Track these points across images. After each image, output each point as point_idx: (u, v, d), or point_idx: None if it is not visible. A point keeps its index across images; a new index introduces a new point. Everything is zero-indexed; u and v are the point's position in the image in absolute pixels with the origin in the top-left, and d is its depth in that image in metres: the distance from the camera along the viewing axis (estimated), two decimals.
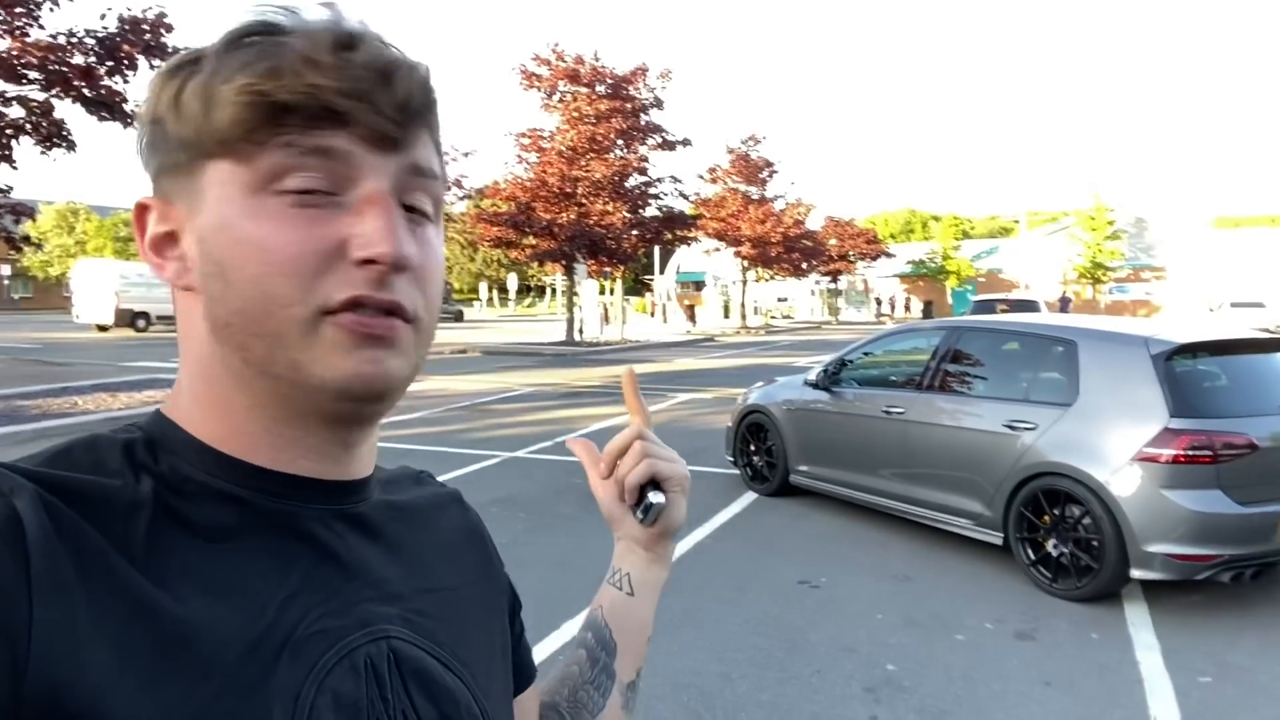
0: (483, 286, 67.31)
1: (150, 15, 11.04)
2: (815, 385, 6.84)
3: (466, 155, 29.04)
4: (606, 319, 32.38)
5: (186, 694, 0.47)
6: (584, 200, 25.11)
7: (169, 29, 11.16)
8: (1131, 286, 48.78)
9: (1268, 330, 10.10)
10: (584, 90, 25.04)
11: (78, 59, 10.86)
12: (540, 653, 3.93)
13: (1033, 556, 5.06)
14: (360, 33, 0.56)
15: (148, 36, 11.04)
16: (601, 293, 34.87)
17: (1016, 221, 56.77)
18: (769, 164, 38.17)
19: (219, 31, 0.57)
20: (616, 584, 0.86)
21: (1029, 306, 23.62)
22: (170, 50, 11.14)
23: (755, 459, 7.30)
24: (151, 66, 11.20)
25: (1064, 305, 35.93)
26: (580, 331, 27.43)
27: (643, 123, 26.06)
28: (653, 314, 44.71)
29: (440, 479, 0.79)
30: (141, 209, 0.59)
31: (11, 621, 0.44)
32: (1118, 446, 4.71)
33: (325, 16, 0.56)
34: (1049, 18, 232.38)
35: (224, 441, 0.57)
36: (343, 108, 0.54)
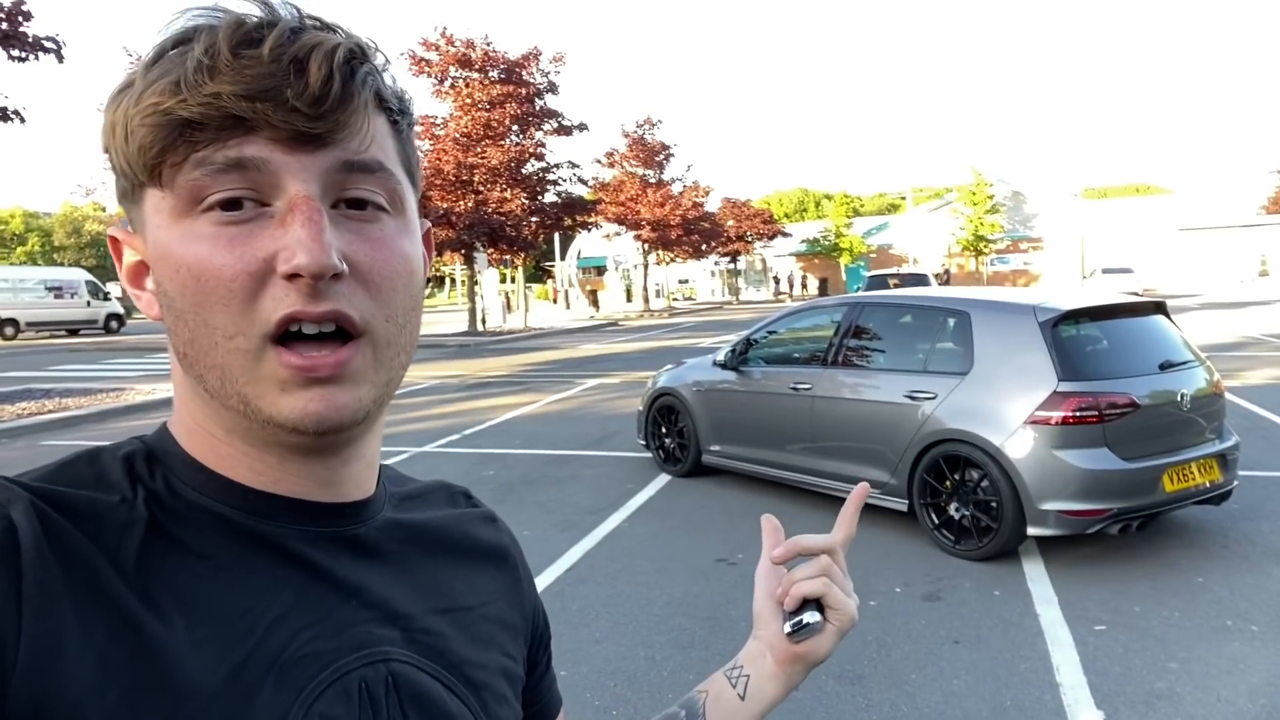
0: None
1: (5, 2, 10.26)
2: (724, 365, 6.92)
3: None
4: (509, 307, 32.08)
5: (167, 716, 0.47)
6: (481, 188, 24.75)
7: (28, 16, 10.41)
8: (1011, 257, 51.21)
9: (1137, 294, 10.71)
10: (476, 76, 24.64)
11: None
12: None
13: (936, 521, 5.26)
14: (266, 22, 0.52)
15: (4, 25, 10.26)
16: (503, 281, 34.51)
17: (903, 198, 58.78)
18: (665, 147, 38.39)
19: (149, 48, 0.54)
20: (731, 681, 0.83)
21: (920, 280, 24.54)
22: (30, 40, 10.40)
23: (667, 441, 7.35)
24: (11, 57, 10.43)
25: (946, 279, 37.39)
26: (483, 321, 27.09)
27: (538, 108, 25.82)
28: (555, 301, 44.51)
29: None
30: (114, 241, 0.58)
31: (1, 633, 0.44)
32: (1011, 411, 4.92)
33: (248, 11, 0.52)
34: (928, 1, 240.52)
35: (212, 462, 0.57)
36: (246, 112, 0.50)
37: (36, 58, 10.64)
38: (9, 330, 29.27)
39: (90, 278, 33.59)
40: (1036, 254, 50.93)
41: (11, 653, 0.44)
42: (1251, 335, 17.37)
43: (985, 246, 49.33)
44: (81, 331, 31.80)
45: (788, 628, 0.78)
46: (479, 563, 0.71)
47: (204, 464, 0.56)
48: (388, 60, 0.58)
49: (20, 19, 10.37)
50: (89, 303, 32.47)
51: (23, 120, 10.94)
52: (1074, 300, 5.32)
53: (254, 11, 0.53)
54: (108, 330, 32.63)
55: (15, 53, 10.40)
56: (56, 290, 31.43)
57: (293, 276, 0.50)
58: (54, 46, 10.78)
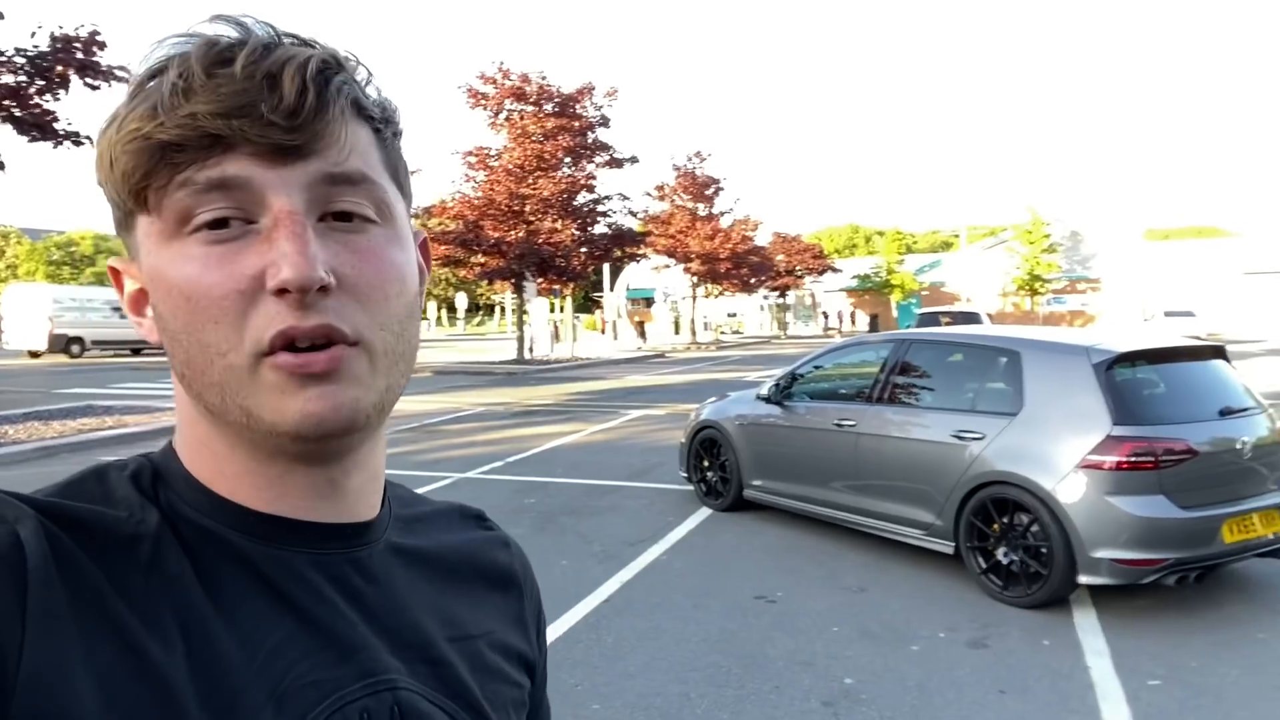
0: (431, 305, 66.73)
1: (83, 33, 10.74)
2: (768, 400, 6.87)
3: (413, 174, 28.71)
4: (557, 337, 32.28)
5: None
6: (532, 218, 25.05)
7: (102, 46, 10.86)
8: (1068, 297, 50.21)
9: (1199, 338, 10.40)
10: (530, 108, 25.03)
11: (6, 78, 10.52)
12: None
13: (983, 565, 5.12)
14: (238, 40, 0.52)
15: (80, 55, 10.73)
16: (551, 310, 34.78)
17: (957, 236, 58.12)
18: (715, 181, 38.54)
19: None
20: None
21: (972, 318, 24.15)
22: (104, 69, 10.84)
23: (709, 474, 7.29)
24: (85, 84, 10.88)
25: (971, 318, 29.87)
26: (530, 350, 27.29)
27: (590, 140, 26.12)
28: (603, 331, 44.70)
29: None
30: (114, 271, 0.60)
31: (3, 649, 0.44)
32: (1063, 454, 4.79)
33: (221, 33, 0.53)
34: (983, 38, 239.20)
35: (215, 482, 0.57)
36: (223, 130, 0.50)
37: (109, 85, 11.06)
38: (75, 348, 30.19)
39: None
40: (1094, 295, 49.87)
41: (13, 671, 0.44)
42: None
43: (1041, 286, 48.46)
44: (144, 351, 32.73)
45: None
46: (486, 589, 0.70)
47: (206, 485, 0.57)
48: (370, 73, 0.58)
49: (95, 49, 10.83)
50: None
51: (93, 144, 11.38)
52: (1129, 342, 5.18)
53: (228, 33, 0.53)
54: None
55: (90, 80, 10.83)
56: (120, 310, 32.38)
57: (281, 291, 0.51)
58: (125, 75, 11.22)
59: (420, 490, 0.73)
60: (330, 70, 0.54)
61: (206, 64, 0.51)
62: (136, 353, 32.10)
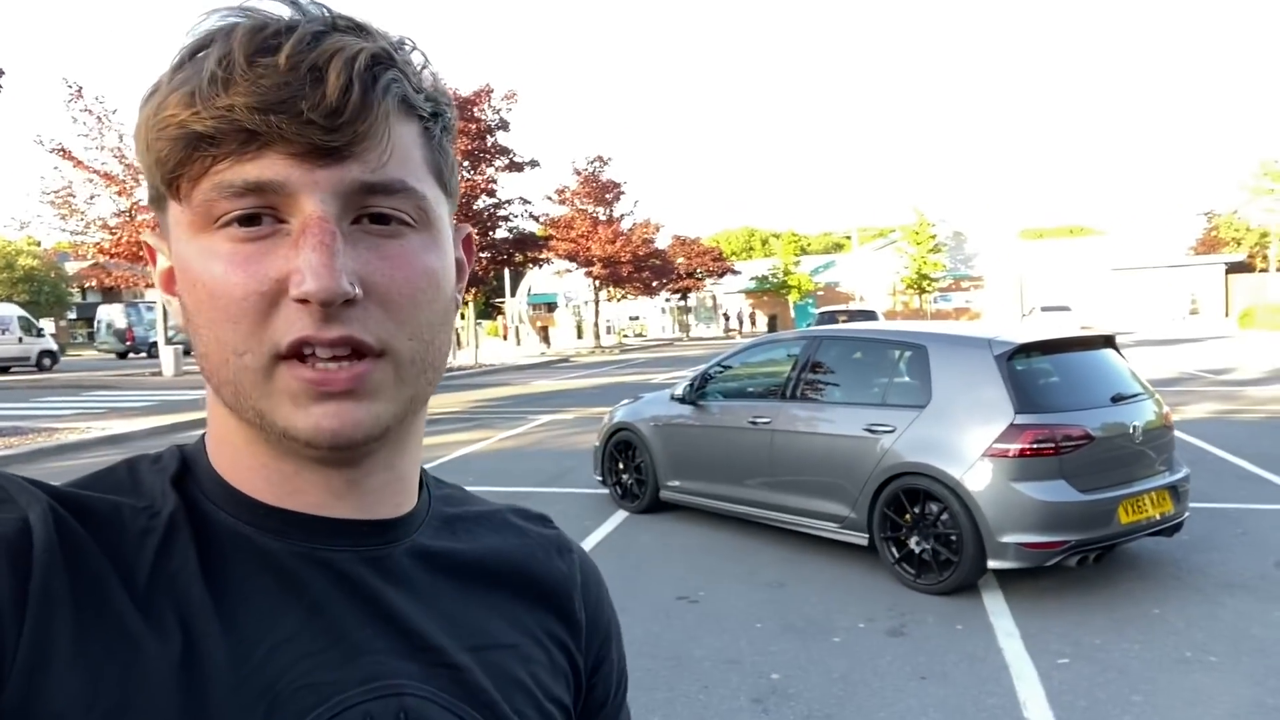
0: None
1: None
2: (682, 400, 6.87)
3: None
4: (459, 344, 31.74)
5: None
6: None
7: None
8: (954, 295, 52.42)
9: (1088, 329, 10.98)
10: None
11: None
12: None
13: (897, 555, 5.24)
14: (286, 27, 0.49)
15: None
16: None
17: (849, 237, 59.94)
18: (616, 185, 38.62)
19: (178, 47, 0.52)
20: None
21: (869, 316, 24.88)
22: None
23: (624, 477, 7.25)
24: None
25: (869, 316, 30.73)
26: None
27: (489, 144, 25.81)
28: (505, 337, 44.23)
29: None
30: (147, 247, 0.58)
31: (2, 633, 0.44)
32: (969, 444, 4.95)
33: (273, 11, 0.50)
34: (866, 44, 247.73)
35: (232, 475, 0.56)
36: (259, 126, 0.47)
37: None
38: None
39: (23, 313, 32.41)
40: (978, 292, 52.22)
41: (11, 653, 0.44)
42: (1187, 371, 17.93)
43: (929, 285, 50.45)
44: (13, 369, 30.64)
45: None
46: (530, 598, 0.65)
47: (223, 477, 0.56)
48: (426, 60, 0.56)
49: None
50: (21, 339, 31.31)
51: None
52: (1026, 334, 5.40)
53: (281, 11, 0.50)
54: (40, 368, 31.43)
55: None
56: None
57: (303, 300, 0.49)
58: None
59: None
60: (380, 65, 0.51)
61: (250, 51, 0.48)
62: (4, 371, 30.04)
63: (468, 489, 0.71)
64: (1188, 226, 56.01)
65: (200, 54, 0.49)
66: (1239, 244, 44.47)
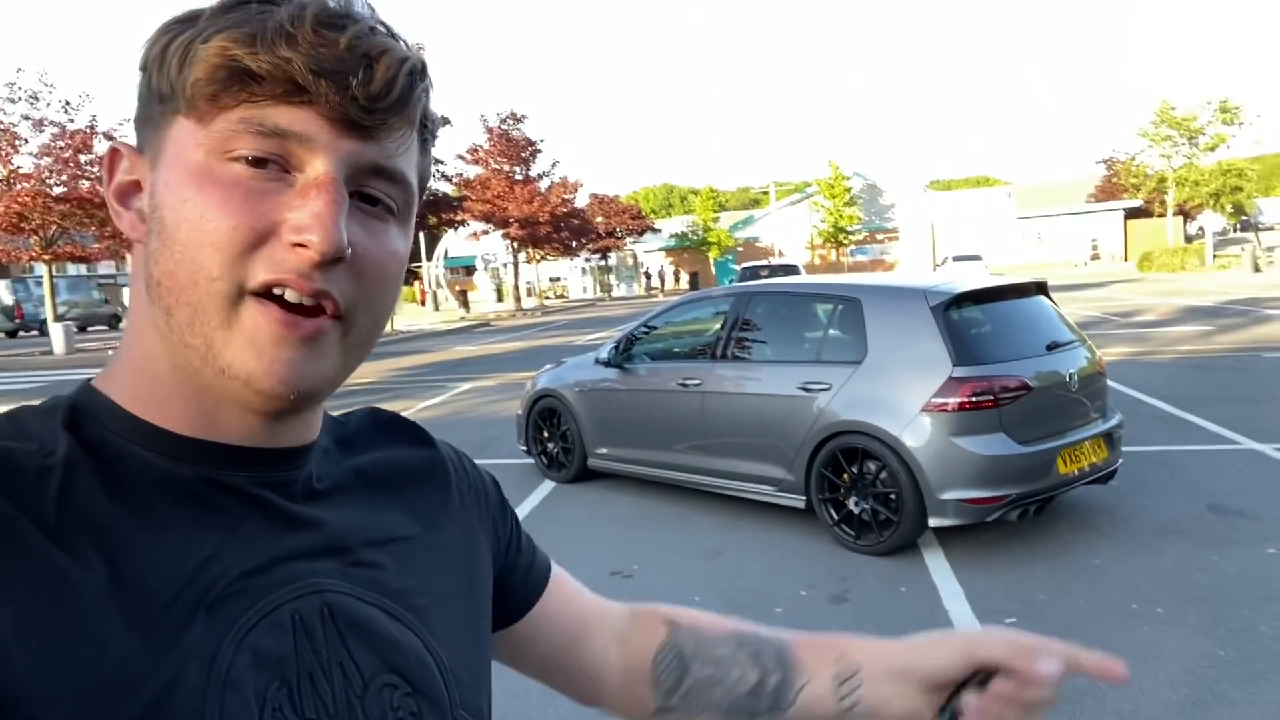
0: None
1: None
2: (607, 363, 6.56)
3: None
4: None
5: (93, 657, 0.47)
6: None
7: None
8: (870, 248, 53.22)
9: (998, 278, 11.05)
10: None
11: None
12: None
13: (835, 516, 5.07)
14: (352, 13, 0.54)
15: None
16: None
17: (766, 192, 60.04)
18: (531, 143, 37.67)
19: None
20: (844, 689, 0.76)
21: (791, 270, 24.87)
22: None
23: (550, 445, 6.93)
24: None
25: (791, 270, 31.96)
26: None
27: None
28: (423, 302, 43.13)
29: None
30: (114, 153, 0.60)
31: None
32: (908, 399, 4.78)
33: None
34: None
35: (144, 407, 0.57)
36: (310, 84, 0.52)
37: None
38: None
39: None
40: (893, 244, 53.11)
41: None
42: (1094, 315, 18.44)
43: (845, 238, 51.06)
44: None
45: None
46: (418, 491, 0.71)
47: (132, 412, 0.57)
48: (432, 84, 0.60)
49: None
50: None
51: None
52: (963, 283, 5.24)
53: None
54: None
55: None
56: None
57: (298, 246, 0.52)
58: None
59: None
60: (418, 75, 0.56)
61: (317, 22, 0.52)
62: None
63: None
64: (1088, 175, 57.95)
65: (251, 2, 0.53)
66: (1137, 190, 46.02)
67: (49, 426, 0.54)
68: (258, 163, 0.52)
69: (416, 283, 45.81)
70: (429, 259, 41.83)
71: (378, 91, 0.53)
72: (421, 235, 33.80)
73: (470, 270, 53.60)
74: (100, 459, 0.53)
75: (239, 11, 0.53)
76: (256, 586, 0.54)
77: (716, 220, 55.80)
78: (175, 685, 0.49)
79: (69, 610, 0.47)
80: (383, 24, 0.56)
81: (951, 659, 0.72)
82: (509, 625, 0.79)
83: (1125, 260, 46.69)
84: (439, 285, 42.65)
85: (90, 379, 0.60)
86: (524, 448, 7.18)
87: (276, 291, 0.52)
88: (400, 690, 0.60)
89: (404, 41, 0.57)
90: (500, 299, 44.65)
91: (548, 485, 6.77)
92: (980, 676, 0.69)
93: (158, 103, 0.55)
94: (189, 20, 0.54)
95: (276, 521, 0.58)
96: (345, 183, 0.54)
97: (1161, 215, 47.34)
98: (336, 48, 0.52)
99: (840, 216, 50.28)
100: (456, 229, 34.31)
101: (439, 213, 27.65)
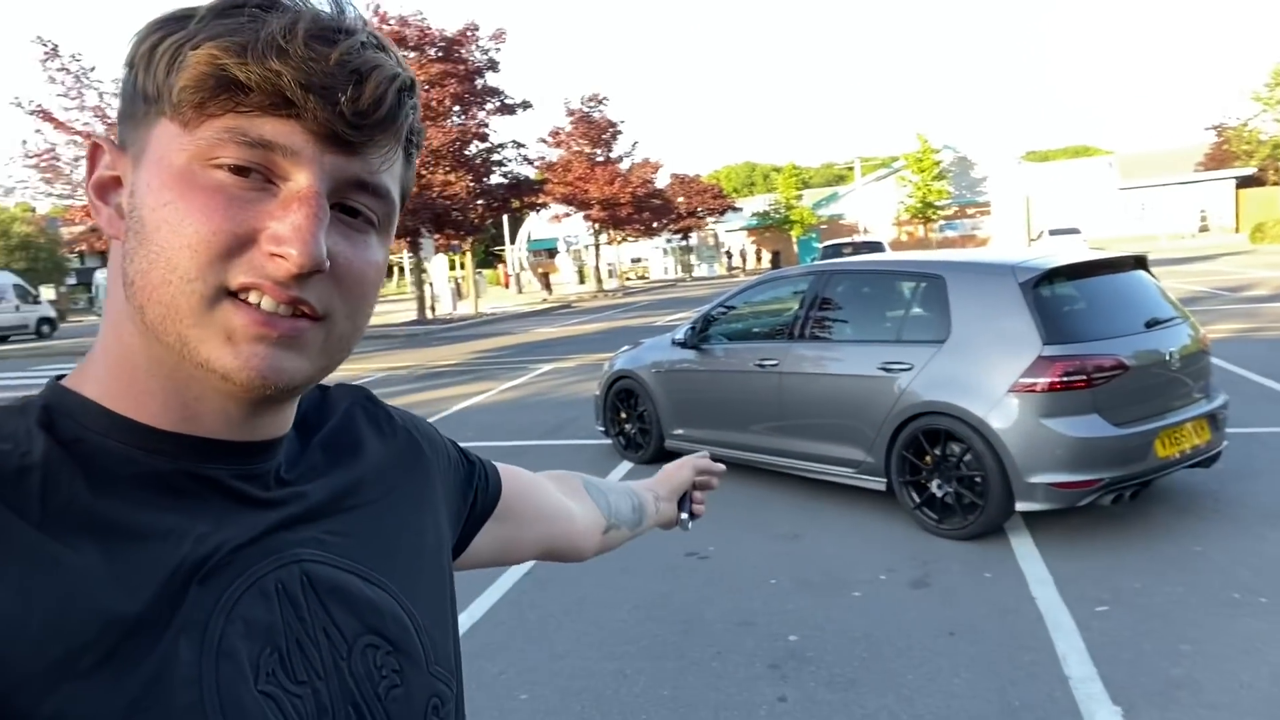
0: None
1: None
2: (683, 344, 6.53)
3: None
4: (460, 294, 31.37)
5: (93, 636, 0.48)
6: (423, 171, 23.98)
7: None
8: (960, 223, 51.50)
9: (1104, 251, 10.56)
10: (412, 54, 23.79)
11: None
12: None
13: (917, 499, 4.94)
14: (345, 28, 0.55)
15: None
16: (452, 268, 33.71)
17: (851, 168, 58.74)
18: (612, 124, 37.64)
19: None
20: (661, 505, 1.25)
21: (875, 248, 24.30)
22: None
23: (627, 426, 6.95)
24: None
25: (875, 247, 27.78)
26: (433, 309, 26.44)
27: (478, 86, 25.06)
28: (507, 285, 43.79)
29: None
30: (95, 147, 0.60)
31: None
32: (994, 379, 4.61)
33: (323, 6, 0.55)
34: None
35: (122, 403, 0.57)
36: (297, 99, 0.52)
37: None
38: None
39: (19, 281, 32.11)
40: (984, 218, 51.28)
41: None
42: (1202, 290, 17.47)
43: (933, 213, 49.56)
44: (12, 338, 30.42)
45: (686, 520, 1.28)
46: (378, 452, 0.73)
47: (107, 407, 0.57)
48: (419, 101, 0.61)
49: None
50: (18, 307, 31.08)
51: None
52: (1054, 258, 5.01)
53: (327, 8, 0.55)
54: (39, 335, 31.27)
55: None
56: None
57: (277, 257, 0.52)
58: None
59: None
60: (406, 93, 0.57)
61: (309, 35, 0.52)
62: (3, 340, 29.81)
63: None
64: (1196, 142, 54.76)
65: (245, 7, 0.53)
66: (1250, 157, 43.32)
67: (23, 426, 0.54)
68: (241, 171, 0.53)
69: (501, 266, 46.50)
70: (512, 242, 42.39)
71: (365, 108, 0.54)
72: (505, 219, 34.21)
73: (553, 253, 54.08)
74: (79, 456, 0.54)
75: (231, 18, 0.53)
76: (241, 559, 0.57)
77: (799, 198, 54.86)
78: (172, 658, 0.51)
79: (67, 591, 0.48)
80: (375, 37, 0.56)
81: (685, 476, 1.28)
82: (485, 524, 0.89)
83: (1236, 232, 44.03)
84: (522, 268, 43.19)
85: (59, 377, 0.61)
86: (601, 429, 7.22)
87: (253, 299, 0.53)
88: (382, 650, 0.64)
89: (395, 56, 0.57)
90: (582, 280, 44.94)
91: (625, 466, 6.79)
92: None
93: (142, 101, 0.55)
94: (179, 20, 0.54)
95: (254, 509, 0.60)
96: (328, 195, 0.55)
97: (1276, 184, 44.44)
98: (327, 63, 0.52)
99: (929, 191, 48.81)
100: (538, 212, 34.61)
101: (521, 196, 27.89)
